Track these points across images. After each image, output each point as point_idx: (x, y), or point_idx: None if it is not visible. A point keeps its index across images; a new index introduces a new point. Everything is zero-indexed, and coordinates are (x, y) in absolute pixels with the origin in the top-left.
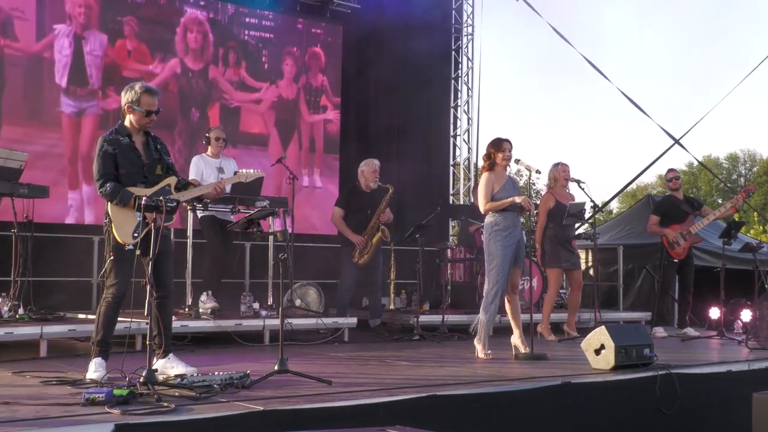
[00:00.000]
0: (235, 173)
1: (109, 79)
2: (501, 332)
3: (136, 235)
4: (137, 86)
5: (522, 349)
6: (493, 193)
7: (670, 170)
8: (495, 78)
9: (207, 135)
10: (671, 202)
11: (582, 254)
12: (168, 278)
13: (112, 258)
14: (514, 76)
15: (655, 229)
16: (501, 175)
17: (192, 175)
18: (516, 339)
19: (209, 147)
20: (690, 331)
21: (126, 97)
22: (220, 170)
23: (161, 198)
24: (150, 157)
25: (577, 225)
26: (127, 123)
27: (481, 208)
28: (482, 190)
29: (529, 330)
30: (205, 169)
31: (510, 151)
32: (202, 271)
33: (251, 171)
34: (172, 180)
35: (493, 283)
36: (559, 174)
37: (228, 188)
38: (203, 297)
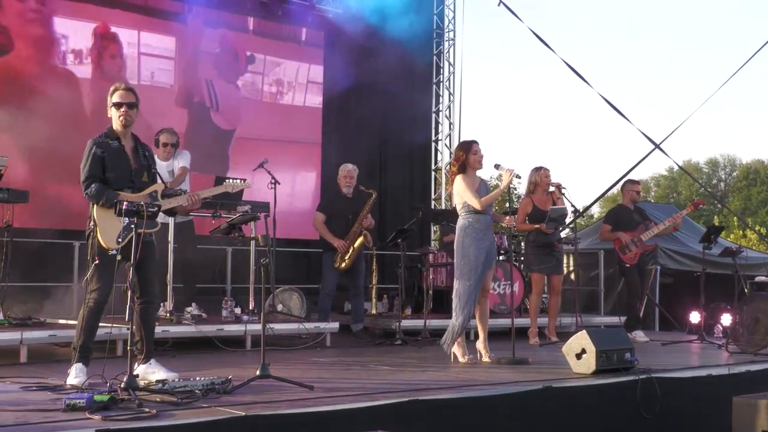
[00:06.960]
0: (222, 183)
1: None
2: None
3: (120, 240)
4: (112, 87)
5: (485, 356)
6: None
7: (636, 183)
8: (476, 83)
9: (156, 137)
10: (623, 212)
11: (563, 259)
12: (152, 284)
13: (95, 263)
14: (496, 81)
15: (607, 236)
16: (473, 177)
17: None
18: (480, 344)
19: (159, 150)
20: (639, 335)
21: (108, 101)
22: (171, 174)
23: (142, 204)
24: (138, 163)
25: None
26: (115, 126)
27: (477, 205)
28: (467, 189)
29: (510, 334)
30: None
31: (481, 151)
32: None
33: (237, 181)
34: (159, 187)
35: (467, 285)
36: (540, 179)
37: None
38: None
